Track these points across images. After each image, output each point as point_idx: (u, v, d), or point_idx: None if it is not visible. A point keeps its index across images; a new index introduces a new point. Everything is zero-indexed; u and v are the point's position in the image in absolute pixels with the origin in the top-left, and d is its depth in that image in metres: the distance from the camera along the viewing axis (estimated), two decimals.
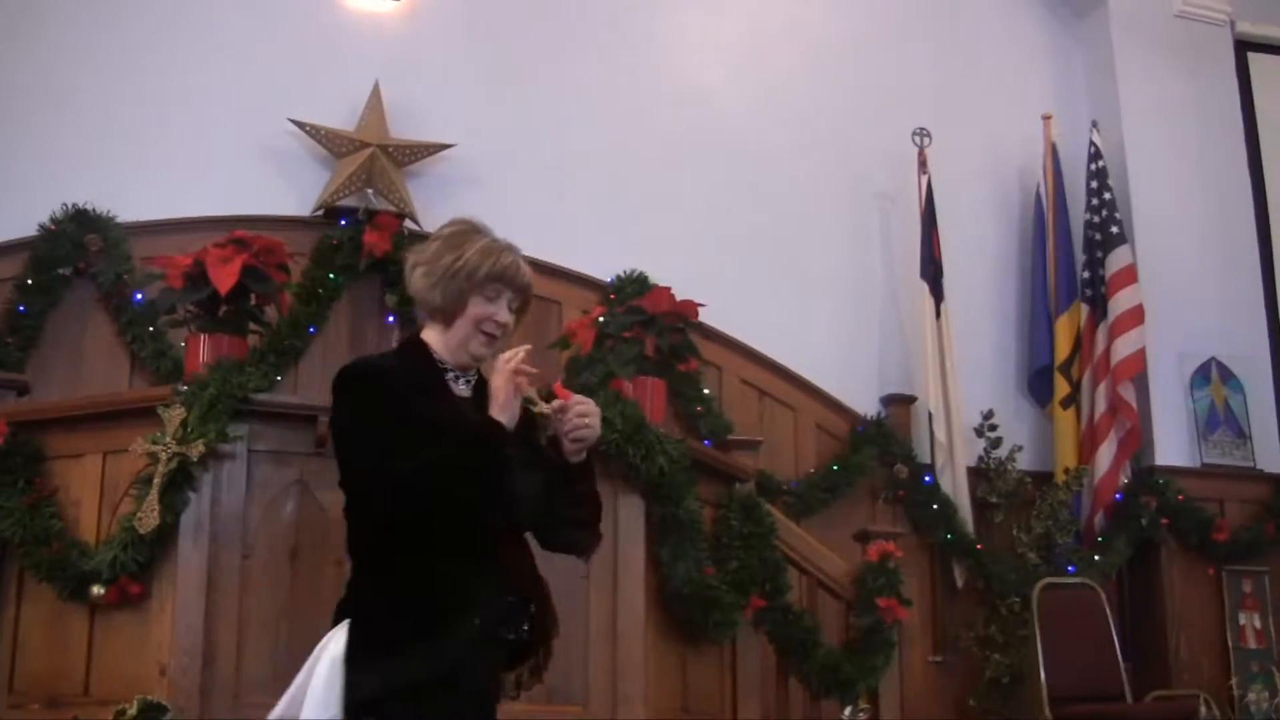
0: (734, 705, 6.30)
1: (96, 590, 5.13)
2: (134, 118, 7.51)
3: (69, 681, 5.27)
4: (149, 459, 5.15)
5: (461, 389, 3.66)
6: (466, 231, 3.78)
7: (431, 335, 3.70)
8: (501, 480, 3.49)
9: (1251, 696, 8.47)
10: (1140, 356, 8.75)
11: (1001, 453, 8.63)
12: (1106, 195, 9.02)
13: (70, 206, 7.10)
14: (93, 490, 5.44)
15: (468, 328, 3.65)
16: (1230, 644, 8.60)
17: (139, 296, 7.11)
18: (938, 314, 8.62)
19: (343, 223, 7.64)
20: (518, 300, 3.72)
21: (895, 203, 9.12)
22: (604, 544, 5.71)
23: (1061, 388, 8.88)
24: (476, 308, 3.63)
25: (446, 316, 3.67)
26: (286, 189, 7.72)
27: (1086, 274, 9.04)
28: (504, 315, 3.66)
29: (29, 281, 7.10)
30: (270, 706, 5.25)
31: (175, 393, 5.31)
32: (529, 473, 3.60)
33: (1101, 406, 8.72)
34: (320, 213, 7.65)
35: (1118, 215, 8.98)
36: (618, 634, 5.66)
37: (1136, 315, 8.77)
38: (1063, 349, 8.93)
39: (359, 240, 7.55)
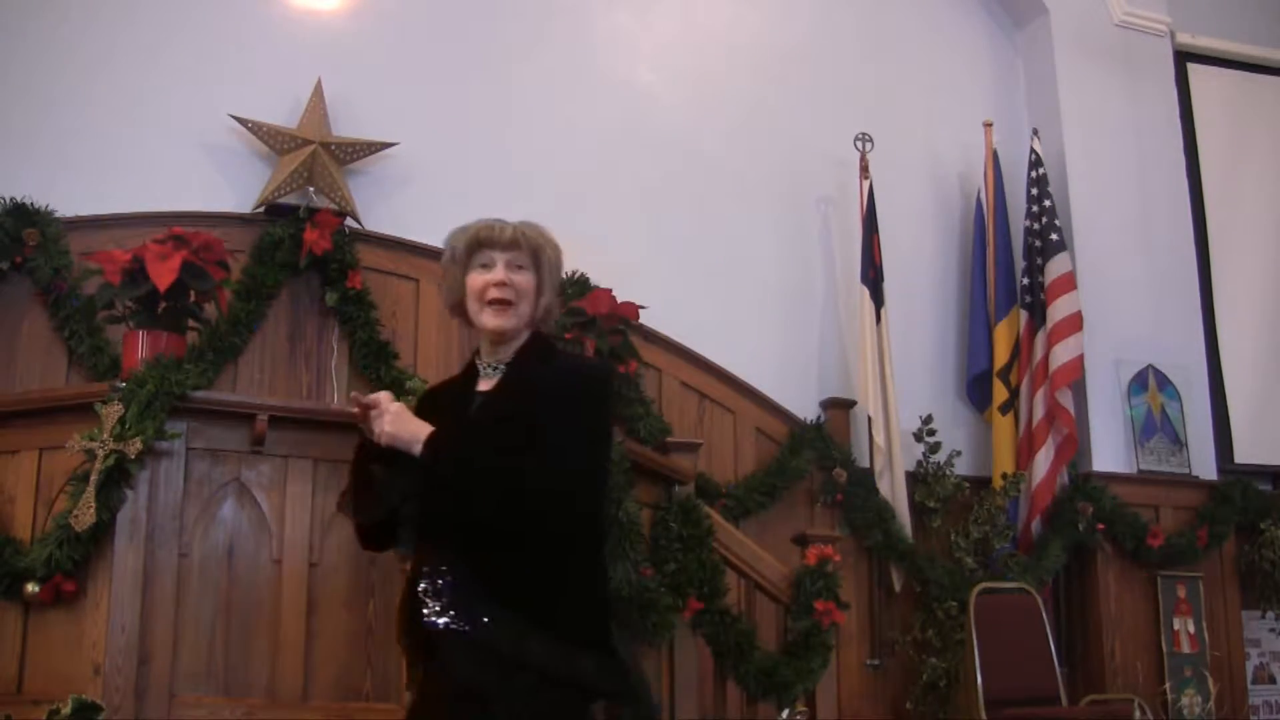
0: (671, 707, 6.29)
1: (30, 588, 5.08)
2: (73, 112, 7.45)
3: (1, 680, 5.23)
4: (85, 456, 5.11)
5: (486, 384, 3.65)
6: (457, 230, 3.82)
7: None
8: (352, 488, 3.65)
9: (1184, 701, 8.54)
10: (1078, 363, 8.80)
11: (940, 458, 8.67)
12: (1046, 202, 9.07)
13: (8, 200, 7.04)
14: (28, 487, 5.39)
15: (475, 305, 3.67)
16: (1164, 649, 8.67)
17: (75, 300, 7.05)
18: (878, 318, 8.64)
19: (282, 224, 7.59)
20: (523, 257, 3.71)
21: (836, 207, 9.16)
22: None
23: (1000, 393, 8.92)
24: (474, 282, 3.67)
25: (461, 308, 3.73)
26: (227, 186, 7.68)
27: (1025, 280, 9.09)
28: (499, 274, 3.65)
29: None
30: (205, 705, 5.26)
31: (113, 389, 5.27)
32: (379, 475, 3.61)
33: (1039, 412, 8.77)
34: (261, 210, 7.61)
35: (1057, 222, 9.03)
36: None
37: (1075, 322, 8.82)
38: (1001, 355, 8.97)
39: (299, 238, 7.51)
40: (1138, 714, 8.12)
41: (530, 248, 3.72)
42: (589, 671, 3.36)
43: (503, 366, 3.66)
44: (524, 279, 3.67)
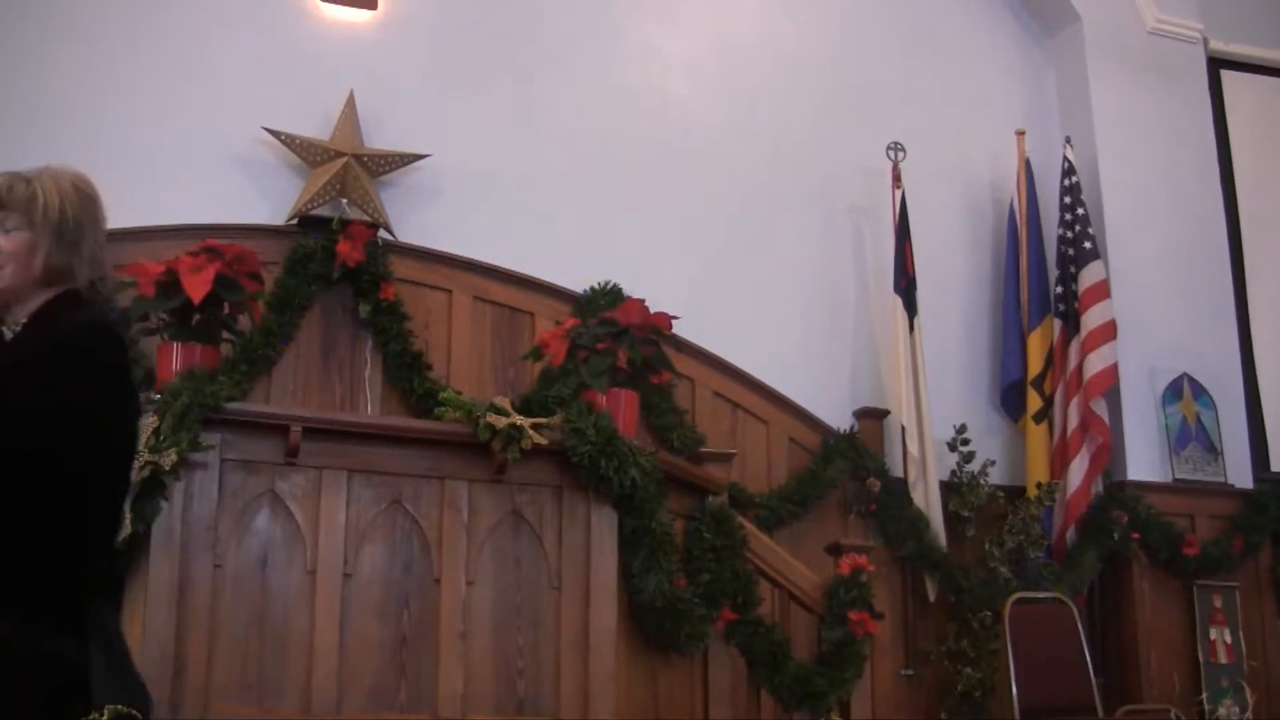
0: (705, 717, 6.30)
1: None
2: (107, 125, 7.49)
3: None
4: None
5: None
6: None
7: None
8: None
9: (1222, 712, 8.49)
10: (1112, 372, 8.77)
11: (974, 467, 8.63)
12: (1079, 210, 9.04)
13: None
14: None
15: None
16: (1200, 659, 8.62)
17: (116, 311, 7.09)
18: (911, 328, 8.62)
19: (316, 234, 7.61)
20: (13, 217, 3.35)
21: (868, 216, 9.14)
22: (576, 555, 5.77)
23: (1034, 402, 8.88)
24: None
25: None
26: (260, 198, 7.71)
27: (1059, 289, 9.05)
28: None
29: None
30: (240, 716, 5.25)
31: (147, 401, 5.29)
32: None
33: (1073, 421, 8.73)
34: (294, 222, 7.64)
35: (1090, 230, 9.00)
36: (589, 645, 5.67)
37: (1108, 330, 8.79)
38: (1035, 364, 8.94)
39: (332, 250, 7.54)
40: None
41: (20, 205, 3.35)
42: (48, 651, 3.07)
43: (17, 329, 3.35)
44: (11, 240, 3.33)
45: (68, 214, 3.40)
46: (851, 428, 8.61)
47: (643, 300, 7.10)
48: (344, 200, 7.68)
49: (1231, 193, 9.94)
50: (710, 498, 6.59)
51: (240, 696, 5.23)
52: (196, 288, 5.93)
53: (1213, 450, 9.20)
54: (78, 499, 3.19)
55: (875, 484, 8.38)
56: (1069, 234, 9.06)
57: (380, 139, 7.88)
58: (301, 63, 7.96)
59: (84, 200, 3.46)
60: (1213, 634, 8.71)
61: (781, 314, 8.75)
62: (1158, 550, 8.72)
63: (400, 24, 8.27)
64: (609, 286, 8.00)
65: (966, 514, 8.53)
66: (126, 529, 5.04)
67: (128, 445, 3.37)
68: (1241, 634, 8.77)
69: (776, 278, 8.78)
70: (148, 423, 5.19)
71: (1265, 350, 9.75)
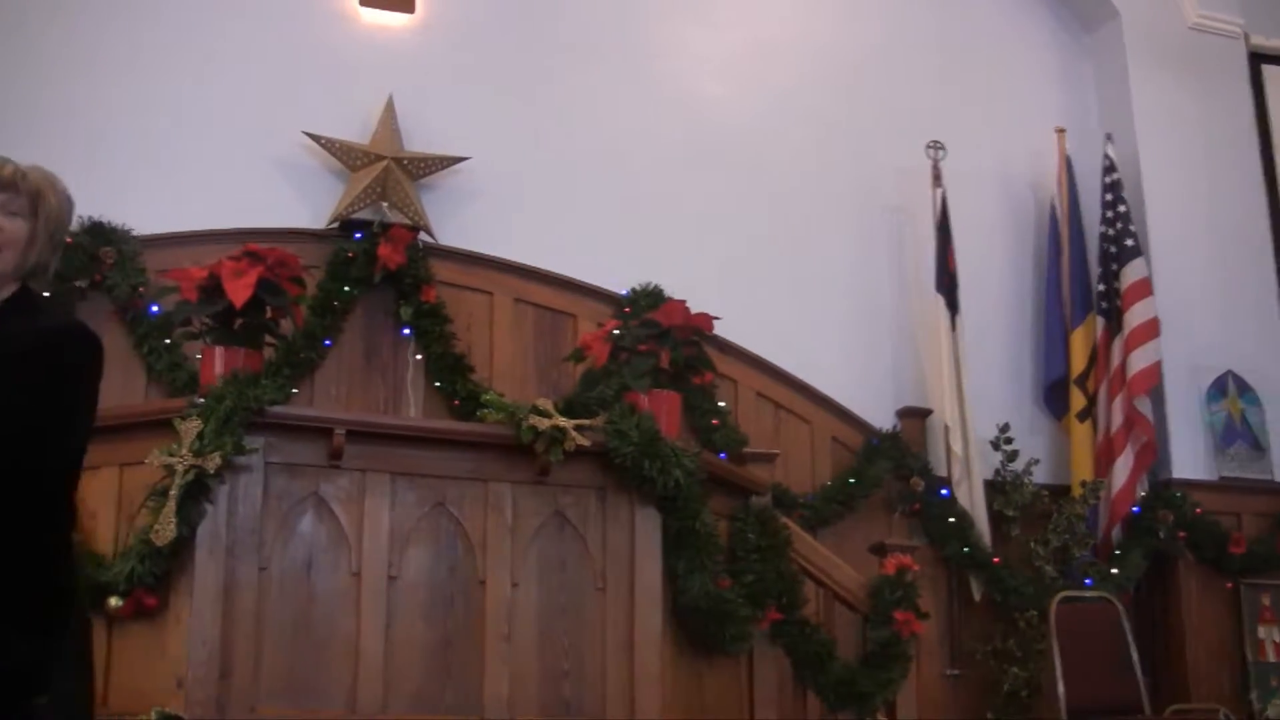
0: (750, 718, 6.28)
1: (113, 602, 5.12)
2: (148, 130, 7.53)
3: None
4: (165, 471, 5.14)
5: None
6: None
7: None
8: None
9: (1271, 712, 8.42)
10: (1156, 369, 8.73)
11: (1018, 466, 8.59)
12: (1121, 208, 9.00)
13: (85, 219, 7.11)
14: (109, 502, 5.43)
15: None
16: (1249, 657, 8.57)
17: (155, 309, 7.12)
18: (952, 327, 8.59)
19: (357, 236, 7.63)
20: (19, 201, 3.30)
21: (909, 215, 9.10)
22: (620, 557, 5.76)
23: (1077, 401, 8.84)
24: None
25: None
26: (301, 202, 7.73)
27: (1101, 287, 9.01)
28: None
29: (44, 294, 7.09)
30: (286, 718, 5.25)
31: (191, 405, 5.31)
32: None
33: (1117, 420, 8.69)
34: (335, 225, 7.66)
35: (1132, 228, 8.96)
36: (634, 647, 5.65)
37: (1152, 328, 8.75)
38: (1078, 362, 8.90)
39: (373, 253, 7.56)
40: None
41: (30, 193, 3.32)
42: (21, 659, 2.91)
43: None
44: (16, 225, 3.29)
45: (62, 216, 3.41)
46: (894, 427, 8.59)
47: (684, 301, 7.09)
48: (384, 204, 7.70)
49: (1273, 188, 9.86)
50: (754, 498, 6.57)
51: (285, 698, 5.23)
52: (239, 292, 5.95)
53: (1259, 447, 9.14)
54: (55, 502, 3.15)
55: (919, 483, 8.36)
56: (1110, 231, 9.02)
57: (420, 142, 7.90)
58: (340, 67, 7.98)
59: (70, 208, 3.44)
60: (1261, 632, 8.65)
61: (823, 314, 8.73)
62: (1204, 548, 8.67)
63: (438, 27, 8.28)
64: (650, 287, 8.00)
65: (1011, 513, 8.50)
66: (172, 533, 5.05)
67: (83, 449, 3.29)
68: None
69: (817, 277, 8.77)
70: (191, 426, 5.22)
71: None
